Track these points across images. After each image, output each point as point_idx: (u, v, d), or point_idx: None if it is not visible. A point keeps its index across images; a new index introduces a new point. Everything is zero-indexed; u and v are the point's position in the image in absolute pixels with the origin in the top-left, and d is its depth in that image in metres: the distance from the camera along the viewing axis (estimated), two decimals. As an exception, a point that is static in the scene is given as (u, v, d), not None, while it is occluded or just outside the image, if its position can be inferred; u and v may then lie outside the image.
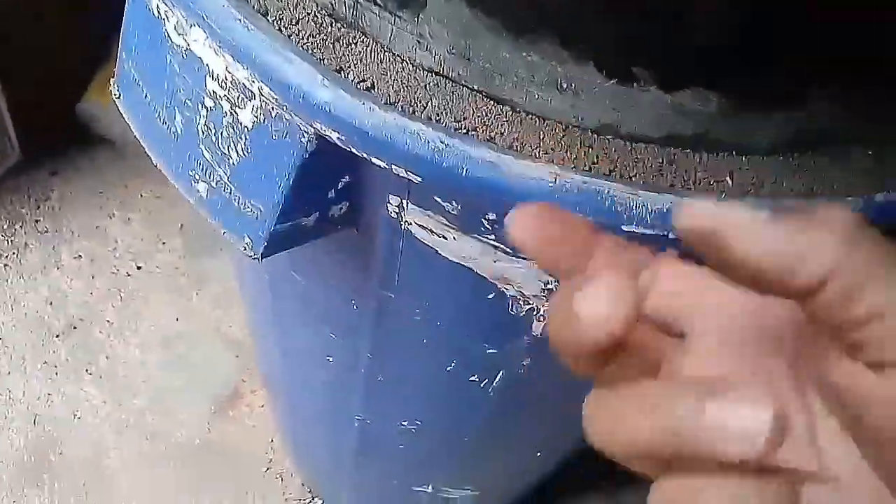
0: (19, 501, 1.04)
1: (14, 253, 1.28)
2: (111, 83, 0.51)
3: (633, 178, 0.38)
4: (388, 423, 0.74)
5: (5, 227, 1.30)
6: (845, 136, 0.42)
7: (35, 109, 1.27)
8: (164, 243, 1.33)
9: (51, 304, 1.24)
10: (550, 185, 0.37)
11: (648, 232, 0.38)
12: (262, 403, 1.19)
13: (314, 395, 0.82)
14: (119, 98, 0.50)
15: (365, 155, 0.39)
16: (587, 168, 0.38)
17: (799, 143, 0.41)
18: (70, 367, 1.18)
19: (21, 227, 1.31)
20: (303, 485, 1.11)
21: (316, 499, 1.11)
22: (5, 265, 1.26)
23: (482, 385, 0.62)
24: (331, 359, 0.69)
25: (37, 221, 1.32)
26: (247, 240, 0.45)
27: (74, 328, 1.22)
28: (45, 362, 1.18)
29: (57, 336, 1.20)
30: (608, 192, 0.38)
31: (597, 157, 0.39)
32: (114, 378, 1.18)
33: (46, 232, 1.31)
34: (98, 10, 1.28)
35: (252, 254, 0.45)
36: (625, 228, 0.38)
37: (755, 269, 0.20)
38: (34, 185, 1.35)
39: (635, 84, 0.37)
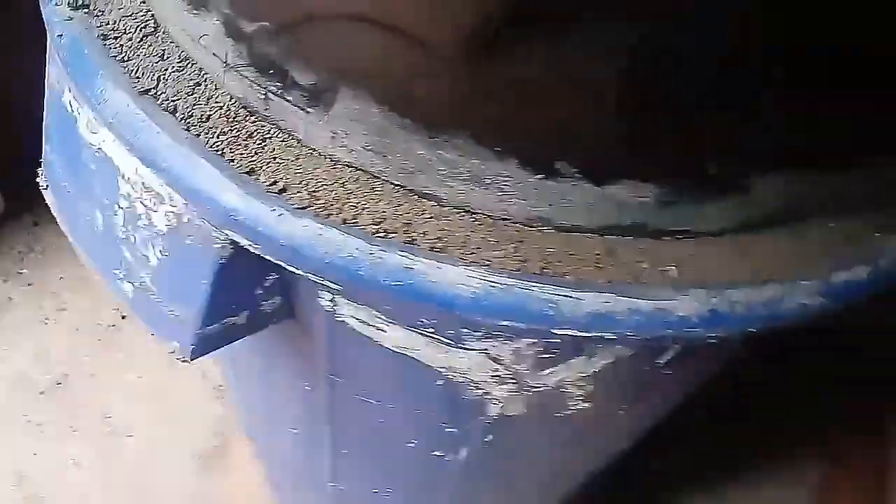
0: (7, 564, 1.02)
1: (-2, 309, 1.26)
2: (39, 173, 0.50)
3: (567, 275, 0.36)
4: (360, 489, 0.72)
5: (-11, 281, 1.29)
6: (798, 214, 0.39)
7: (14, 161, 1.26)
8: (148, 291, 1.31)
9: (36, 359, 1.22)
10: (475, 292, 0.35)
11: (584, 334, 0.36)
12: (250, 455, 1.16)
13: (288, 458, 0.80)
14: (46, 189, 0.48)
15: (281, 262, 0.37)
16: (516, 268, 0.36)
17: (748, 226, 0.38)
18: (55, 424, 1.16)
19: (5, 280, 1.29)
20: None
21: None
22: (-11, 321, 1.25)
23: (447, 459, 0.59)
24: (296, 431, 0.66)
25: (20, 274, 1.30)
26: (173, 343, 0.43)
27: (59, 384, 1.20)
28: (30, 420, 1.16)
29: (42, 393, 1.18)
30: (539, 294, 0.35)
31: (527, 253, 0.36)
32: (100, 433, 1.16)
33: (31, 285, 1.29)
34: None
35: (181, 356, 0.43)
36: (557, 332, 0.36)
37: None
38: (17, 237, 1.33)
39: (562, 178, 0.34)
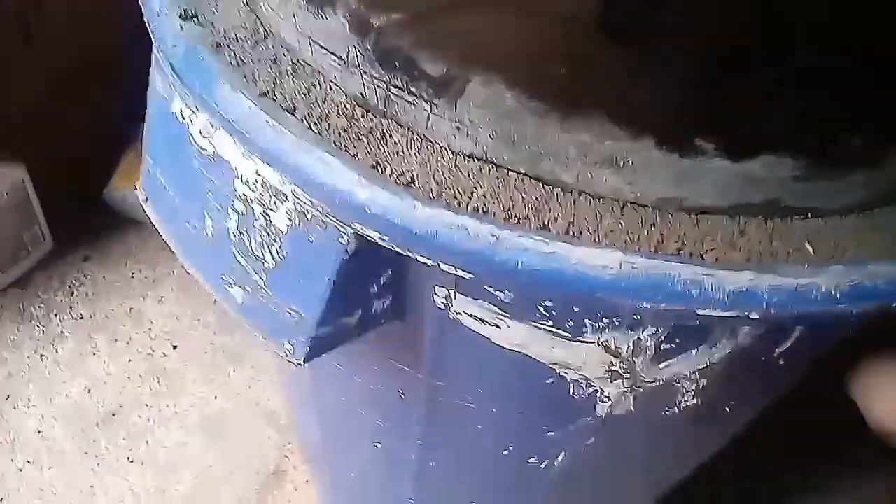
0: None
1: (51, 343, 1.27)
2: (137, 187, 0.50)
3: (705, 256, 0.35)
4: (443, 506, 0.71)
5: (40, 316, 1.30)
6: (930, 188, 0.38)
7: (64, 197, 1.28)
8: (198, 320, 1.31)
9: (89, 392, 1.22)
10: (613, 272, 0.34)
11: (728, 314, 0.35)
12: (307, 479, 1.15)
13: (360, 478, 0.78)
14: (147, 203, 0.49)
15: (410, 254, 0.36)
16: (652, 249, 0.35)
17: (876, 201, 0.38)
18: (111, 455, 1.16)
19: (56, 315, 1.30)
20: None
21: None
22: (42, 356, 1.25)
23: (543, 466, 0.58)
24: (379, 445, 0.65)
25: (71, 308, 1.31)
26: (287, 345, 0.42)
27: (113, 415, 1.20)
28: (86, 453, 1.16)
29: (97, 425, 1.18)
30: (679, 274, 0.34)
31: (661, 235, 0.36)
32: (156, 464, 1.16)
33: (81, 318, 1.30)
34: (119, 95, 1.29)
35: (294, 360, 0.42)
36: (700, 313, 0.35)
37: None
38: (67, 271, 1.34)
39: (699, 156, 0.34)
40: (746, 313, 0.35)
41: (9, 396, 1.21)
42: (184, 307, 1.32)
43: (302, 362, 0.42)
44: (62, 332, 1.28)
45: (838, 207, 0.38)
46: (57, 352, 1.26)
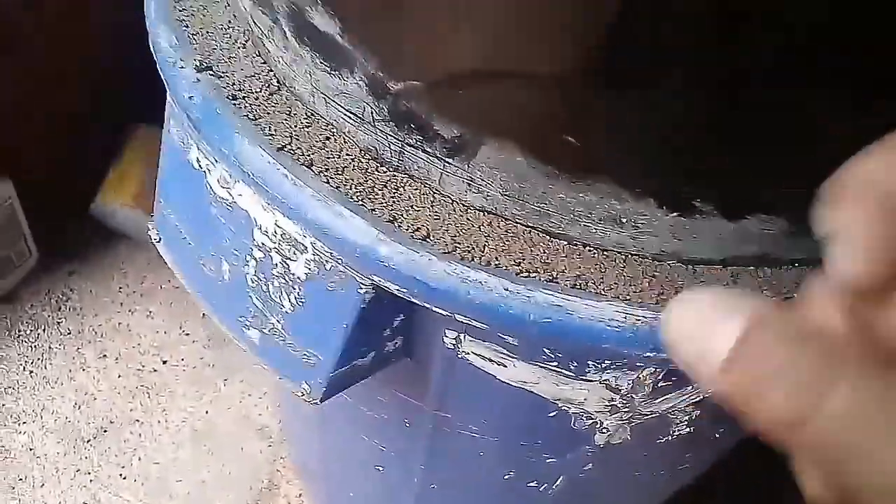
0: None
1: (39, 359, 1.27)
2: (149, 226, 0.51)
3: (702, 306, 0.38)
4: (441, 524, 0.73)
5: (28, 332, 1.30)
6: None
7: (49, 211, 1.28)
8: (187, 334, 1.32)
9: (79, 408, 1.22)
10: (617, 325, 0.36)
11: (724, 362, 0.37)
12: (299, 493, 1.16)
13: (360, 498, 0.80)
14: (160, 243, 0.50)
15: (427, 304, 0.38)
16: (654, 301, 0.37)
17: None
18: (104, 472, 1.16)
19: (44, 331, 1.30)
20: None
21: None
22: (31, 372, 1.25)
23: (541, 489, 0.60)
24: (381, 469, 0.67)
25: (59, 323, 1.31)
26: (304, 386, 0.44)
27: (105, 431, 1.20)
28: (79, 469, 1.16)
29: (88, 441, 1.19)
30: (680, 325, 0.37)
31: (662, 286, 0.38)
32: (148, 479, 1.16)
33: (69, 334, 1.30)
34: (106, 106, 1.29)
35: (311, 399, 0.44)
36: (699, 360, 0.37)
37: None
38: (54, 286, 1.34)
39: (697, 216, 0.36)
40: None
41: (-2, 413, 1.21)
42: (172, 321, 1.33)
43: (318, 402, 0.44)
44: (50, 347, 1.28)
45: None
46: (45, 367, 1.26)
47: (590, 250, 0.39)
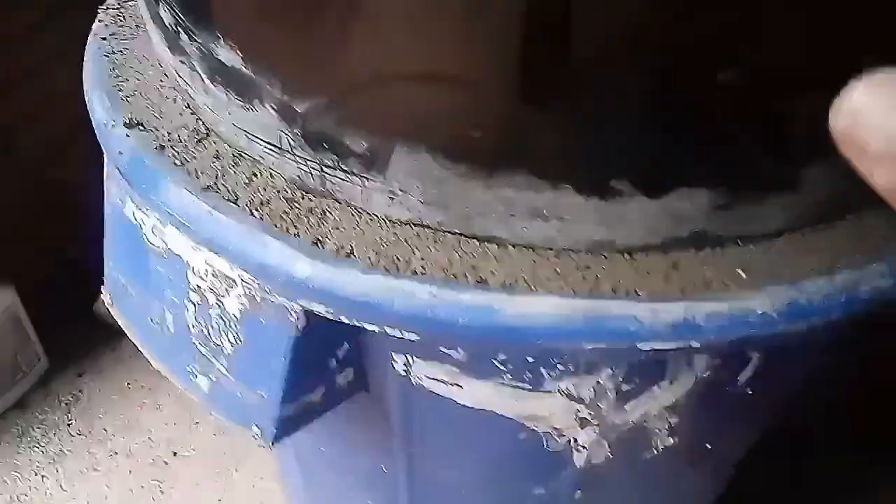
0: None
1: (51, 462, 1.26)
2: (103, 292, 0.51)
3: (640, 292, 0.36)
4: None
5: (39, 437, 1.29)
6: (853, 205, 0.39)
7: (53, 313, 1.29)
8: (196, 424, 1.30)
9: (93, 509, 1.20)
10: (550, 318, 0.35)
11: (669, 346, 0.36)
12: (320, 575, 1.12)
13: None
14: (112, 306, 0.50)
15: (357, 322, 0.37)
16: (588, 291, 0.36)
17: (805, 222, 0.39)
18: (119, 573, 1.13)
19: (55, 434, 1.29)
20: None
21: None
22: (44, 477, 1.24)
23: (537, 527, 0.57)
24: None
25: (69, 425, 1.30)
26: (255, 429, 0.43)
27: (119, 530, 1.18)
28: (93, 573, 1.13)
29: (102, 543, 1.16)
30: (614, 312, 0.35)
31: (597, 277, 0.37)
32: (165, 577, 1.13)
33: (80, 434, 1.29)
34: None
35: (263, 442, 0.43)
36: (642, 347, 0.36)
37: None
38: (63, 389, 1.34)
39: (618, 196, 0.36)
40: (689, 343, 0.35)
41: (12, 523, 1.19)
42: (181, 412, 1.32)
43: (270, 445, 0.43)
44: (62, 450, 1.27)
45: (767, 232, 0.39)
46: (58, 471, 1.25)
47: (520, 251, 0.38)
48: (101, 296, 0.50)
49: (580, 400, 0.43)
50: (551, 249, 0.38)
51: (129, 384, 1.35)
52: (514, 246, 0.38)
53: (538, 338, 0.35)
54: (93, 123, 0.47)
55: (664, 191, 0.35)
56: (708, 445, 0.52)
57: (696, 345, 0.35)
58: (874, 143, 0.18)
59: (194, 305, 0.42)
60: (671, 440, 0.48)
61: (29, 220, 1.25)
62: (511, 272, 0.37)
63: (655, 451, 0.49)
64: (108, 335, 1.40)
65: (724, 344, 0.37)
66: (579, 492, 0.52)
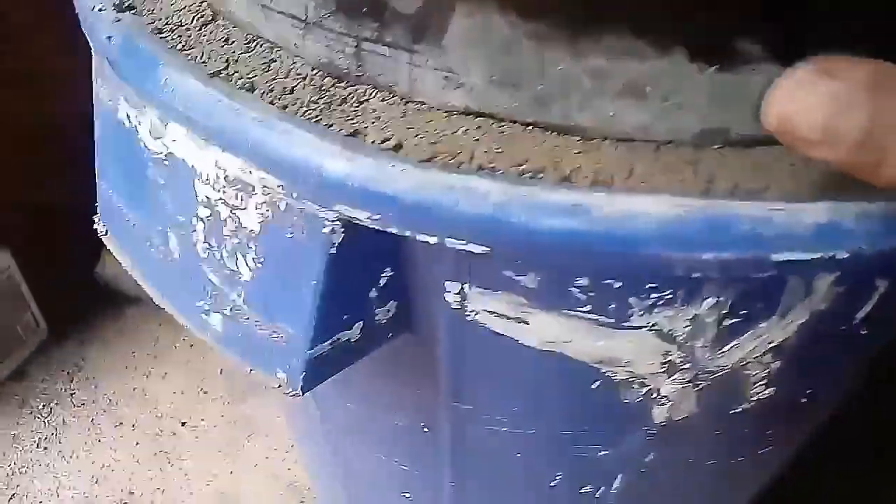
0: None
1: (52, 433, 1.19)
2: (97, 220, 0.44)
3: (766, 191, 0.28)
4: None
5: (41, 407, 1.23)
6: None
7: (53, 279, 1.22)
8: (205, 393, 1.24)
9: (97, 482, 1.14)
10: (666, 218, 0.27)
11: (810, 256, 0.28)
12: (338, 551, 1.05)
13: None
14: (106, 234, 0.42)
15: (409, 232, 0.30)
16: (700, 193, 0.28)
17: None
18: (126, 548, 1.07)
19: (57, 404, 1.23)
20: None
21: None
22: (45, 448, 1.18)
23: (598, 495, 0.50)
24: (408, 495, 0.57)
25: (72, 395, 1.24)
26: (280, 374, 0.35)
27: (125, 503, 1.12)
28: (98, 548, 1.07)
29: (107, 516, 1.10)
30: (744, 212, 0.27)
31: (711, 174, 0.29)
32: (174, 552, 1.07)
33: (83, 405, 1.23)
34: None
35: (290, 390, 0.35)
36: (776, 258, 0.28)
37: None
38: (65, 358, 1.28)
39: (744, 65, 0.28)
40: (834, 253, 0.28)
41: (13, 495, 1.13)
42: (189, 381, 1.25)
43: (300, 392, 0.35)
44: (64, 420, 1.21)
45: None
46: (60, 442, 1.18)
47: (610, 143, 0.30)
48: (96, 224, 0.43)
49: (671, 339, 0.35)
50: (648, 143, 0.30)
51: (133, 352, 1.28)
52: (603, 138, 0.30)
53: (643, 245, 0.27)
54: (76, 9, 0.39)
55: (808, 55, 0.27)
56: (804, 401, 0.44)
57: (844, 255, 0.28)
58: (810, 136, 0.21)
59: (203, 223, 0.35)
60: (768, 391, 0.40)
61: (25, 184, 1.17)
62: (603, 167, 0.29)
63: (747, 405, 0.41)
64: (111, 301, 1.33)
65: (864, 261, 0.29)
66: (652, 455, 0.45)
